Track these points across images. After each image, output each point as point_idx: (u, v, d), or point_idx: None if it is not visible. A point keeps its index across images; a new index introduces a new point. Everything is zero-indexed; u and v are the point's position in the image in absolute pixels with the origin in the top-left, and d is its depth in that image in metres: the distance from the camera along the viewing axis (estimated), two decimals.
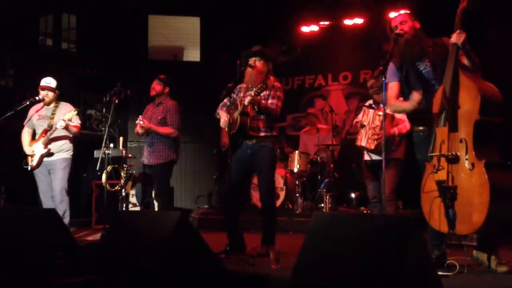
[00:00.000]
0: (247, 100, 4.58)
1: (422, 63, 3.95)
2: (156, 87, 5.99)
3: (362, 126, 5.21)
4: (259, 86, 4.59)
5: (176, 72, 8.53)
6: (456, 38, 3.65)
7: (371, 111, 5.19)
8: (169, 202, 6.09)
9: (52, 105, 6.00)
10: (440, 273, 3.40)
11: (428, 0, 7.30)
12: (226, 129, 4.78)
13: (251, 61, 4.82)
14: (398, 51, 3.93)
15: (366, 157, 5.31)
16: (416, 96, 3.92)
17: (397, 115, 5.10)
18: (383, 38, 8.39)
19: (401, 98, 4.08)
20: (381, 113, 5.00)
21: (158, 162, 5.84)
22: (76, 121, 5.92)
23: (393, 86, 4.03)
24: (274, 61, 5.08)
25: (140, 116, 5.89)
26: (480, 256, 3.87)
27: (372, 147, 5.06)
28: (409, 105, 3.99)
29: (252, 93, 4.58)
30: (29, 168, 5.87)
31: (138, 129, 5.83)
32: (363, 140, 5.16)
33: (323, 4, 9.14)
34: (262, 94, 4.67)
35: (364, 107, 5.38)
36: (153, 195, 6.09)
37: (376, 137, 5.00)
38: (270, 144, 4.81)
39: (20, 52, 9.21)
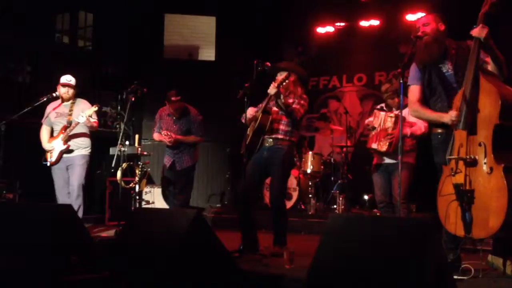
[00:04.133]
0: (270, 88, 4.61)
1: (444, 66, 3.91)
2: (177, 105, 6.18)
3: (373, 128, 5.18)
4: (283, 76, 4.63)
5: (191, 71, 8.58)
6: (478, 31, 3.60)
7: (382, 113, 5.15)
8: (187, 201, 6.28)
9: (69, 102, 6.04)
10: (454, 277, 3.39)
11: (448, 3, 7.23)
12: (248, 130, 4.82)
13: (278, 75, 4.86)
14: (418, 54, 3.91)
15: (377, 160, 5.28)
16: (452, 114, 3.69)
17: (412, 119, 5.05)
18: (399, 40, 8.36)
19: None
20: (392, 115, 4.98)
21: (184, 167, 6.21)
22: (96, 118, 5.98)
23: (414, 89, 4.00)
24: (306, 81, 5.30)
25: (164, 131, 6.16)
26: (495, 261, 3.83)
27: (384, 149, 5.01)
28: (437, 116, 3.86)
29: (276, 84, 4.61)
30: (48, 164, 5.92)
31: (166, 142, 6.15)
32: (375, 142, 5.13)
33: (339, 5, 9.11)
34: (290, 100, 4.71)
35: (375, 110, 5.36)
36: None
37: (388, 138, 4.96)
38: (287, 147, 4.83)
39: (37, 49, 9.29)
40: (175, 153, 6.23)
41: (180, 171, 6.24)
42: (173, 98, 6.10)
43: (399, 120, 3.94)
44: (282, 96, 4.64)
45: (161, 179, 6.56)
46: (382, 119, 5.10)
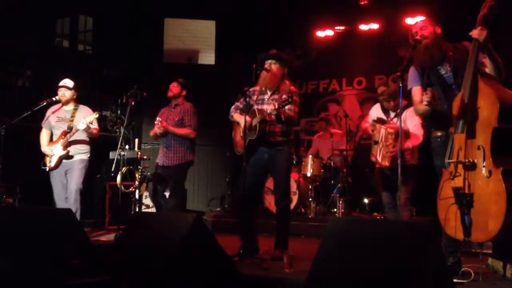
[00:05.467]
0: (270, 109, 4.60)
1: (443, 68, 3.93)
2: (174, 89, 6.08)
3: (376, 143, 5.19)
4: (283, 98, 4.58)
5: (191, 75, 8.54)
6: (478, 33, 3.61)
7: (383, 129, 5.16)
8: (182, 204, 6.12)
9: (72, 107, 6.05)
10: (454, 280, 3.39)
11: (446, 6, 7.25)
12: (242, 134, 4.78)
13: (267, 64, 4.84)
14: (418, 57, 3.92)
15: (380, 165, 5.29)
16: (425, 95, 3.80)
17: (408, 125, 5.07)
18: (398, 44, 8.37)
19: None
20: (391, 130, 4.98)
21: (175, 163, 5.91)
22: (96, 124, 5.98)
23: (417, 90, 4.02)
24: (290, 65, 5.09)
25: (158, 118, 5.96)
26: (495, 264, 3.84)
27: (388, 165, 5.03)
28: (423, 106, 3.90)
29: (277, 105, 4.58)
30: (47, 169, 5.92)
31: (156, 130, 5.91)
32: (378, 157, 5.15)
33: (339, 9, 9.13)
34: (276, 97, 4.69)
35: (373, 123, 5.36)
36: (166, 196, 6.13)
37: (390, 154, 4.97)
38: (286, 148, 4.84)
39: (37, 53, 9.30)
40: (164, 147, 6.03)
41: (166, 169, 6.00)
42: (180, 79, 6.13)
43: (399, 135, 3.97)
44: (282, 117, 4.62)
45: (152, 175, 6.35)
46: (383, 136, 5.10)
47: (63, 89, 5.98)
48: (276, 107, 4.58)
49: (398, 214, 4.60)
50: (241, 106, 4.94)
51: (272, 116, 4.65)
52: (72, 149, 5.89)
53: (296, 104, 4.82)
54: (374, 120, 5.34)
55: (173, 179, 5.97)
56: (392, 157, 4.94)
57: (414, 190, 5.14)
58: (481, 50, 3.68)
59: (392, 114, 5.25)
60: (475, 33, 3.63)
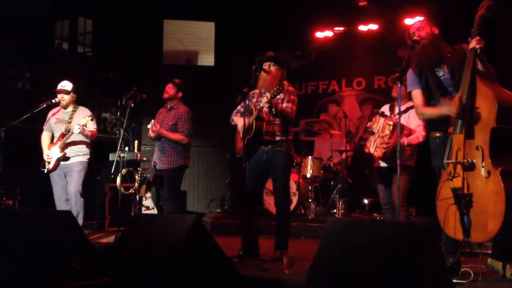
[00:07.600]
0: (263, 102, 4.60)
1: (440, 69, 3.94)
2: (170, 90, 6.03)
3: (372, 133, 5.21)
4: (275, 89, 4.61)
5: (190, 77, 8.58)
6: (476, 43, 3.62)
7: (382, 119, 5.17)
8: (180, 207, 6.05)
9: (70, 109, 6.05)
10: (454, 280, 3.39)
11: (445, 6, 7.26)
12: (241, 135, 4.79)
13: (266, 66, 4.84)
14: (415, 58, 3.92)
15: (377, 163, 5.30)
16: (452, 107, 3.74)
17: (411, 125, 5.08)
18: (397, 44, 8.39)
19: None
20: (391, 122, 4.99)
21: (168, 167, 5.87)
22: (91, 127, 5.92)
23: (417, 93, 4.02)
24: (287, 66, 5.10)
25: (152, 120, 5.94)
26: (495, 264, 3.84)
27: (380, 155, 5.04)
28: (438, 111, 3.88)
29: (269, 95, 4.60)
30: (45, 171, 5.91)
31: (150, 133, 5.89)
32: (372, 147, 5.16)
33: (338, 10, 9.13)
34: (276, 98, 4.70)
35: (377, 115, 5.37)
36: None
37: (384, 145, 4.98)
38: (285, 148, 4.84)
39: (36, 55, 9.31)
40: (157, 150, 5.98)
41: (160, 172, 5.93)
42: (176, 80, 6.05)
43: (397, 129, 3.95)
44: (273, 109, 4.63)
45: (153, 179, 6.27)
46: (381, 126, 5.12)
47: (61, 93, 5.96)
48: (269, 98, 4.58)
49: (397, 214, 4.60)
50: (242, 110, 4.94)
51: (266, 109, 4.65)
52: (70, 151, 5.88)
53: (294, 103, 4.83)
54: (377, 113, 5.35)
55: (167, 183, 5.90)
56: (385, 149, 4.94)
57: (413, 191, 5.14)
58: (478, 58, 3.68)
59: (396, 111, 5.26)
60: (472, 43, 3.63)
